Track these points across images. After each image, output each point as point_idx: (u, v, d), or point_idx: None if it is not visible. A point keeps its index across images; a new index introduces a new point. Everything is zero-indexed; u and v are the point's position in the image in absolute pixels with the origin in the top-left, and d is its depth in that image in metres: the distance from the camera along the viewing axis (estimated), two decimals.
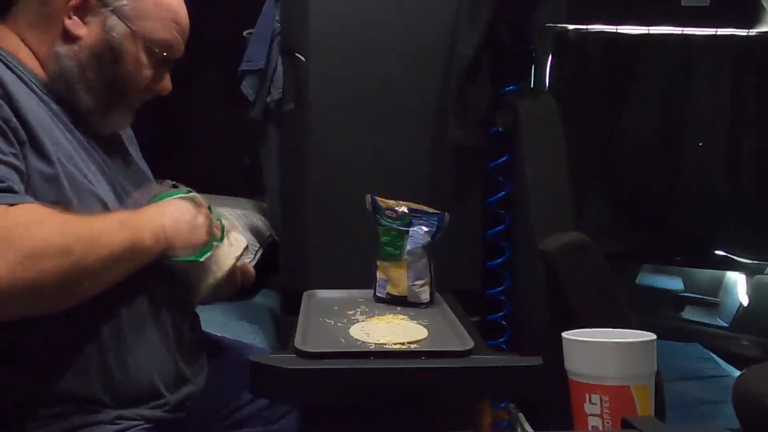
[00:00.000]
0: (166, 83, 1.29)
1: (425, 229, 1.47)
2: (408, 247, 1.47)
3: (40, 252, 0.97)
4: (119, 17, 1.18)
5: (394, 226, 1.48)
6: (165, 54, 1.23)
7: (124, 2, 1.18)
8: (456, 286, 1.66)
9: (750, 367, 1.17)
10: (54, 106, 1.17)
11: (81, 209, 1.10)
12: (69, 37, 1.17)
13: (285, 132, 2.33)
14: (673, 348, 3.02)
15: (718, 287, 3.42)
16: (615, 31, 2.86)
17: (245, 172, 2.68)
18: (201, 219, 1.21)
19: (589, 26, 2.86)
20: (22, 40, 1.18)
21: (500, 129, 2.09)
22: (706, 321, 3.38)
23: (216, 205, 2.37)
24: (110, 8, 1.18)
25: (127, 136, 1.39)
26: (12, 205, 0.99)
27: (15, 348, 1.09)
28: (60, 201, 1.08)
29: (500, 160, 2.12)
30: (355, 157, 2.05)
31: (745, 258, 3.30)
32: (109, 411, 1.13)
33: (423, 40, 2.07)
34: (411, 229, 1.47)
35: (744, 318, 3.27)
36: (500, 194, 2.14)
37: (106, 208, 1.15)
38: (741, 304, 3.32)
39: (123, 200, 1.22)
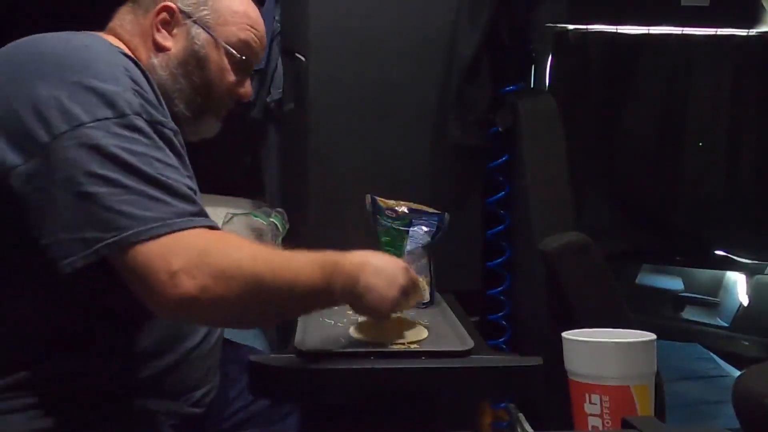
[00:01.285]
0: (248, 89, 1.35)
1: (425, 229, 1.47)
2: (408, 247, 1.47)
3: (231, 272, 1.00)
4: (201, 26, 1.26)
5: (394, 226, 1.48)
6: (244, 57, 1.30)
7: (205, 12, 1.27)
8: (456, 286, 1.66)
9: (750, 367, 1.17)
10: None
11: None
12: (160, 49, 1.25)
13: (285, 132, 2.34)
14: (673, 348, 3.02)
15: (718, 287, 3.43)
16: (615, 31, 2.86)
17: (245, 172, 2.67)
18: (394, 293, 1.14)
19: (589, 26, 2.85)
20: (130, 49, 1.23)
21: (500, 129, 2.09)
22: (706, 321, 3.38)
23: (216, 206, 2.37)
24: (193, 19, 1.26)
25: None
26: (212, 228, 1.05)
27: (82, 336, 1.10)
28: None
29: (500, 160, 2.12)
30: (355, 157, 2.05)
31: (745, 258, 3.31)
32: (140, 402, 1.15)
33: (423, 40, 2.07)
34: (411, 229, 1.47)
35: (744, 318, 3.27)
36: (500, 194, 2.14)
37: None
38: (741, 304, 3.32)
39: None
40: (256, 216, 1.53)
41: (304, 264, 1.08)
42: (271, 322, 1.20)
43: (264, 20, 2.35)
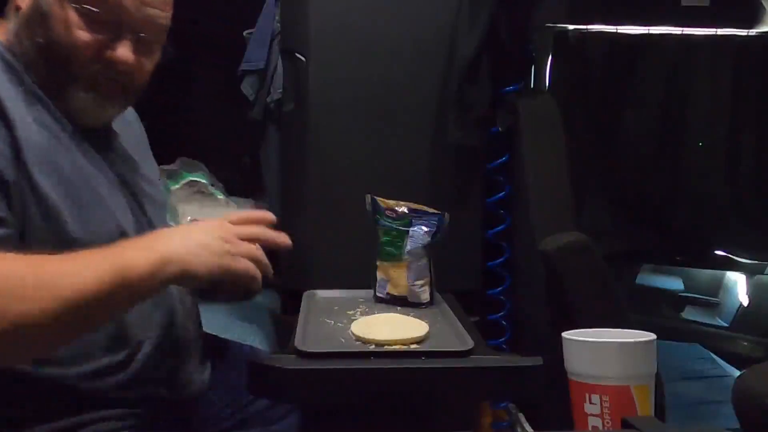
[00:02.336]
0: (122, 52, 1.09)
1: (425, 229, 1.47)
2: (408, 247, 1.46)
3: None
4: None
5: (394, 226, 1.48)
6: (98, 10, 1.07)
7: None
8: (456, 286, 1.66)
9: (750, 367, 1.17)
10: (52, 108, 1.09)
11: (90, 244, 1.00)
12: (17, 10, 1.09)
13: (285, 132, 2.34)
14: (673, 348, 3.02)
15: (718, 287, 3.42)
16: (615, 31, 2.86)
17: (245, 172, 2.68)
18: (216, 241, 1.03)
19: (589, 26, 2.85)
20: (3, 21, 1.12)
21: (500, 129, 2.10)
22: (706, 321, 3.38)
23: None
24: None
25: (134, 134, 1.34)
26: None
27: None
28: (62, 241, 1.01)
29: (500, 160, 2.12)
30: (355, 157, 2.05)
31: (745, 258, 3.30)
32: (113, 399, 1.13)
33: (423, 40, 2.07)
34: (411, 229, 1.47)
35: (744, 318, 3.27)
36: (500, 194, 2.14)
37: (123, 234, 1.09)
38: (741, 304, 3.31)
39: (141, 215, 1.19)
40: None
41: (80, 264, 0.94)
42: (87, 331, 1.00)
43: (264, 20, 2.38)
